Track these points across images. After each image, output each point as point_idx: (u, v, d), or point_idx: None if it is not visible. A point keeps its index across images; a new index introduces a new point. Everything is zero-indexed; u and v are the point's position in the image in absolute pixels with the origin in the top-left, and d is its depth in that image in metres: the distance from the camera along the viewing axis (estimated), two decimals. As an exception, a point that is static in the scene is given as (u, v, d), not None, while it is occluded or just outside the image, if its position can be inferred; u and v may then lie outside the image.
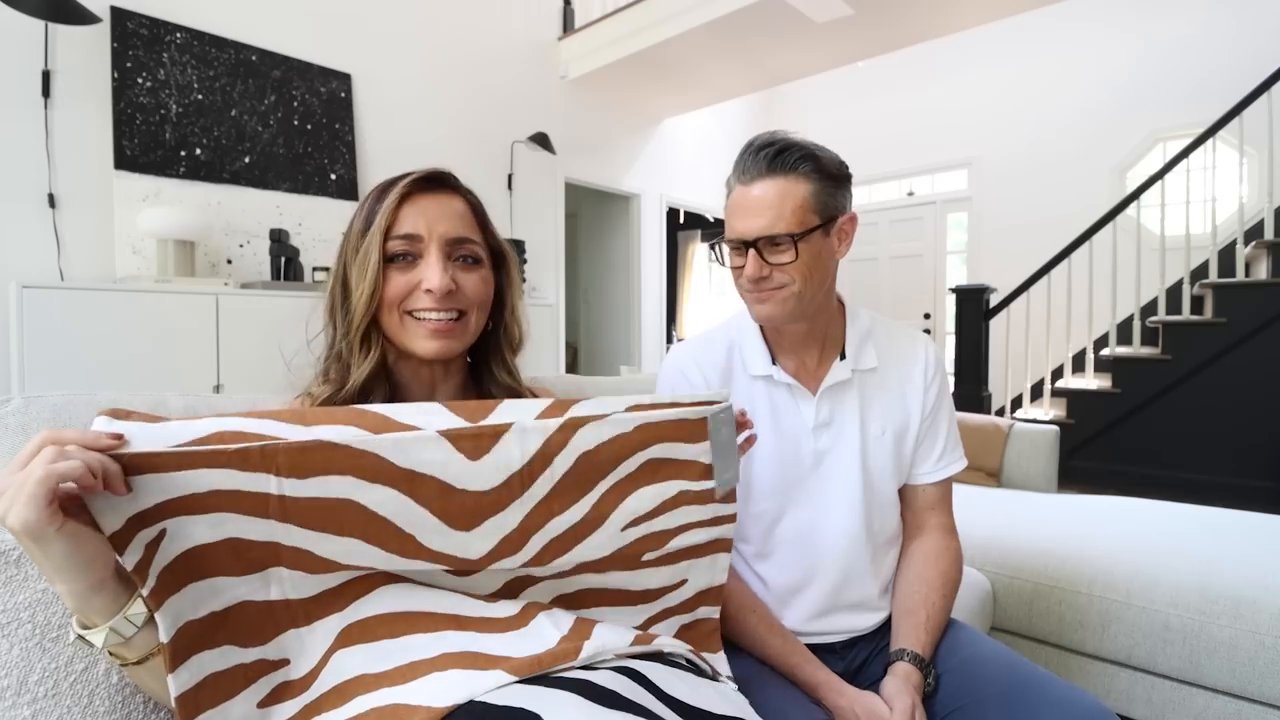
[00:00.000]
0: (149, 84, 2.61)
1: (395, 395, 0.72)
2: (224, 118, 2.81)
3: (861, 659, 0.90)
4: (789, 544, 0.89)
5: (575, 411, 0.57)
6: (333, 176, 3.15)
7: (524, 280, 3.59)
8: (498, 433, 0.54)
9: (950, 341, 4.44)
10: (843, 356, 0.91)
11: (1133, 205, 3.61)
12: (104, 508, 0.44)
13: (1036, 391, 4.53)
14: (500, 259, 0.76)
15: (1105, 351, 3.99)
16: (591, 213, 5.44)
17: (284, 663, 0.54)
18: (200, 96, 2.74)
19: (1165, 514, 1.67)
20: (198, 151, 2.72)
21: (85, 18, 2.31)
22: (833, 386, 0.89)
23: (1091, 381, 3.88)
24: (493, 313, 0.76)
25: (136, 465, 0.45)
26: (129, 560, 0.46)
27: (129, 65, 2.56)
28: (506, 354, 0.78)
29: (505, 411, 0.57)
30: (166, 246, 2.47)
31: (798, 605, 0.89)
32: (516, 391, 0.78)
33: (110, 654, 0.50)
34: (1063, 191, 4.92)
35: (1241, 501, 2.89)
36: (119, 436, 0.45)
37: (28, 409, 0.64)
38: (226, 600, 0.51)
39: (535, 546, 0.58)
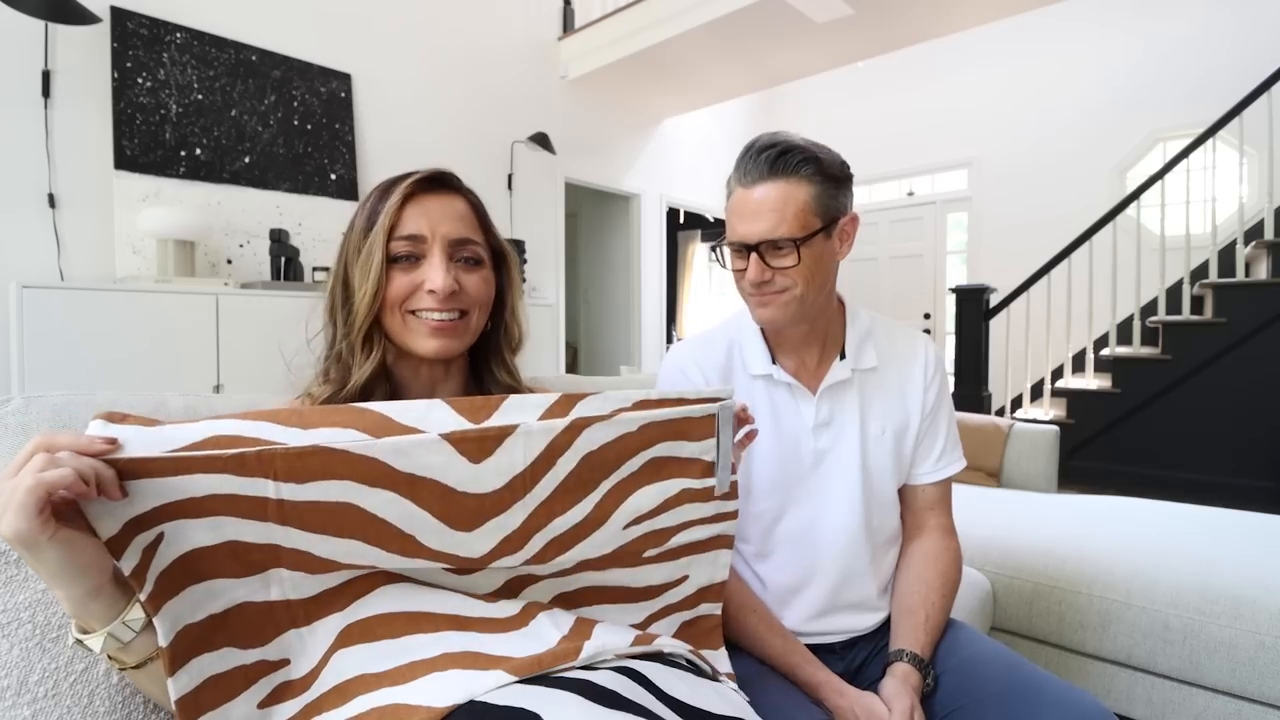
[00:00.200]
0: (149, 84, 2.61)
1: (395, 395, 0.71)
2: (224, 118, 2.81)
3: (861, 659, 0.90)
4: (789, 544, 0.89)
5: (580, 411, 0.57)
6: (333, 176, 3.14)
7: (524, 280, 3.59)
8: (502, 435, 0.53)
9: (950, 341, 4.44)
10: (843, 356, 0.91)
11: (1133, 205, 3.61)
12: (100, 513, 0.44)
13: (1036, 391, 4.53)
14: (501, 259, 0.76)
15: (1105, 351, 3.99)
16: (591, 213, 5.44)
17: (284, 663, 0.54)
18: (200, 96, 2.74)
19: (1165, 514, 1.67)
20: (198, 151, 2.72)
21: (85, 18, 2.31)
22: (833, 386, 0.89)
23: (1091, 381, 3.88)
24: (493, 313, 0.76)
25: (131, 470, 0.44)
26: (126, 565, 0.46)
27: (129, 65, 2.56)
28: (506, 354, 0.78)
29: (509, 411, 0.56)
30: (166, 246, 2.47)
31: (797, 605, 0.89)
32: (516, 391, 0.77)
33: (109, 659, 0.49)
34: (1063, 191, 4.92)
35: (1241, 501, 2.89)
36: (113, 441, 0.45)
37: (28, 409, 0.64)
38: (225, 602, 0.51)
39: (537, 545, 0.57)
